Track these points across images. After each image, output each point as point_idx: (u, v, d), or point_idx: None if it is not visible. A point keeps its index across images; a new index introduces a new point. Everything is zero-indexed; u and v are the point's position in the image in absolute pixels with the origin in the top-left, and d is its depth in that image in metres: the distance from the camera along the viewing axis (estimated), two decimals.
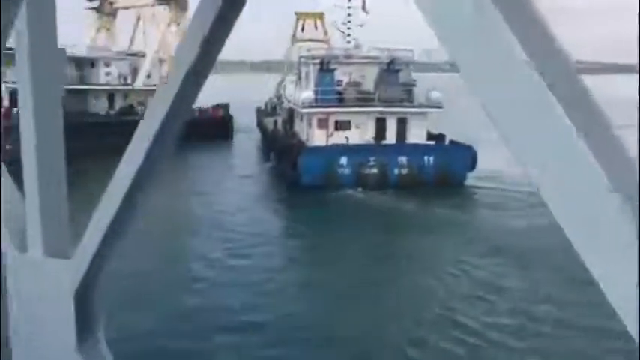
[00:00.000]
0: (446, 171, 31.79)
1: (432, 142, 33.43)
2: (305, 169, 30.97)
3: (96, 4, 56.37)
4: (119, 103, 52.06)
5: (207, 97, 60.71)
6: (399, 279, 19.32)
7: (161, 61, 55.74)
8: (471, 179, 32.80)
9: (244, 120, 59.24)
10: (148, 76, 53.89)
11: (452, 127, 37.10)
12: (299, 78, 38.62)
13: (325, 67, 34.75)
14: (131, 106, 51.95)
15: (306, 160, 30.94)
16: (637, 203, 1.24)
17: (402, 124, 33.80)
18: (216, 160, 45.22)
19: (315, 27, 56.63)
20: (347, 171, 31.24)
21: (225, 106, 57.87)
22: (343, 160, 31.23)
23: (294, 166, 31.49)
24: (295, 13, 57.41)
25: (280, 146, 35.41)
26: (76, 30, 57.23)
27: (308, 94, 33.98)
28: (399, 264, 21.11)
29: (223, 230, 24.84)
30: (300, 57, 38.49)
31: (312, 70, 35.43)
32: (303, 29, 56.89)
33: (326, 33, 55.23)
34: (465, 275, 19.76)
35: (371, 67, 35.96)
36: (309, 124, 34.18)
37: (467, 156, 32.30)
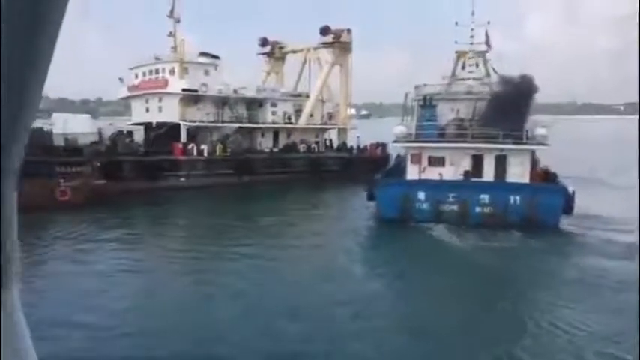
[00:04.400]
0: (535, 212, 29.05)
1: (521, 182, 30.68)
2: (381, 203, 31.01)
3: (267, 49, 62.47)
4: (283, 141, 56.37)
5: (369, 137, 62.91)
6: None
7: (323, 101, 59.45)
8: (567, 224, 29.43)
9: None
10: (311, 116, 57.83)
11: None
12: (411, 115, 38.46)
13: (428, 103, 34.44)
14: (294, 144, 56.10)
15: (381, 194, 30.98)
16: None
17: (500, 161, 31.88)
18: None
19: (477, 65, 55.25)
20: (425, 206, 30.40)
21: (383, 145, 59.40)
22: (421, 195, 30.48)
23: (372, 200, 31.76)
24: (456, 52, 56.68)
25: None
26: (251, 73, 64.08)
27: (400, 129, 33.95)
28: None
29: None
30: (407, 93, 38.35)
31: (416, 107, 35.34)
32: (463, 67, 55.87)
33: (487, 71, 53.64)
34: None
35: (476, 103, 34.65)
36: (406, 160, 34.07)
37: (559, 197, 29.06)
